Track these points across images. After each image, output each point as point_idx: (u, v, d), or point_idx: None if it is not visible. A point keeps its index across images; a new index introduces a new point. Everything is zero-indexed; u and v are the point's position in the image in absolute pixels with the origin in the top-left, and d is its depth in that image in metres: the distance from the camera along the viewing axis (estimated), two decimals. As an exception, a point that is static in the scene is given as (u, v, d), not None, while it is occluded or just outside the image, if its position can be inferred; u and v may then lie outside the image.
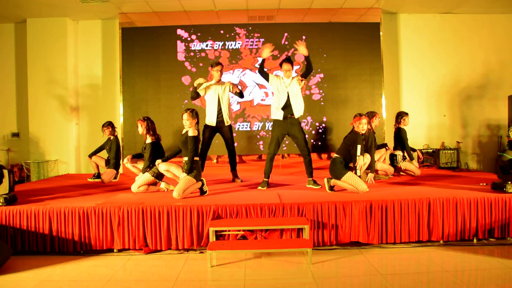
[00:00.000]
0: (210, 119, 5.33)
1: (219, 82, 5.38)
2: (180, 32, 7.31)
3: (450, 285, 2.89)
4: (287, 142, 7.28)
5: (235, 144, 5.63)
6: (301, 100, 4.91)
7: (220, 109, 5.33)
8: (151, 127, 4.84)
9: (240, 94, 5.41)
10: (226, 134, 5.43)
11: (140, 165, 5.03)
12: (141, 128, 4.83)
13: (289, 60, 4.84)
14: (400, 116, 5.66)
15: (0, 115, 7.62)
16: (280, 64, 4.87)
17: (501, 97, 7.50)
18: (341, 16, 7.33)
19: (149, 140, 4.84)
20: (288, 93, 4.81)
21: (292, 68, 4.86)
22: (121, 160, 5.87)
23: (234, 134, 7.14)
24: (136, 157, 5.13)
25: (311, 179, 4.83)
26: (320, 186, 4.71)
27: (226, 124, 5.38)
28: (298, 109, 4.84)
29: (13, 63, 7.60)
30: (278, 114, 4.84)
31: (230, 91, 5.36)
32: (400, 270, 3.23)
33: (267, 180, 4.93)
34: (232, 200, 4.00)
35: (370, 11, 7.28)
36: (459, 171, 6.32)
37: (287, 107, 4.81)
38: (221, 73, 5.39)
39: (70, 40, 7.35)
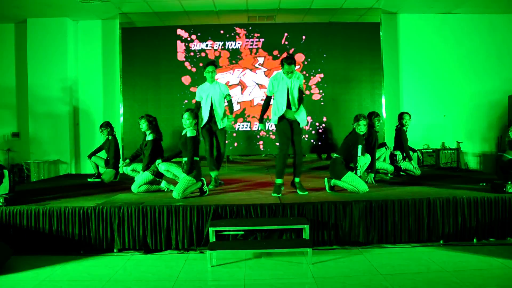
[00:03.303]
0: (203, 122, 5.02)
1: (212, 83, 5.02)
2: (180, 32, 7.30)
3: (450, 285, 2.88)
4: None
5: (228, 143, 5.45)
6: (303, 107, 4.42)
7: (213, 112, 4.99)
8: (154, 125, 4.86)
9: (230, 105, 5.13)
10: (218, 137, 5.10)
11: (139, 166, 5.01)
12: (145, 125, 4.82)
13: (292, 60, 4.22)
14: (402, 116, 5.67)
15: (0, 115, 7.63)
16: (282, 64, 4.28)
17: (501, 97, 7.50)
18: (341, 16, 7.33)
19: (150, 137, 4.84)
20: (288, 89, 4.30)
21: (294, 68, 4.29)
22: (120, 160, 5.87)
23: (234, 134, 7.18)
24: (134, 157, 5.12)
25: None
26: (307, 193, 4.35)
27: (219, 127, 5.01)
28: (300, 117, 4.37)
29: (13, 63, 7.60)
30: (278, 116, 4.37)
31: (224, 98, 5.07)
32: (400, 270, 3.22)
33: (280, 183, 4.33)
34: (232, 200, 4.01)
35: (370, 11, 7.28)
36: (459, 171, 6.32)
37: (288, 106, 4.31)
38: (213, 75, 4.98)
39: (70, 40, 7.36)
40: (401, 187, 4.70)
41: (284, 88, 4.34)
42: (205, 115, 5.01)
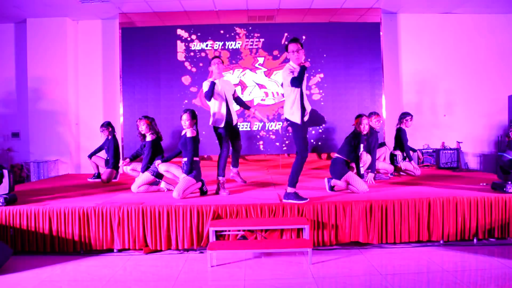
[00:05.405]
0: (222, 119, 4.48)
1: (221, 78, 4.56)
2: (180, 32, 7.30)
3: (450, 285, 2.88)
4: (287, 142, 7.29)
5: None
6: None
7: (228, 107, 4.53)
8: (152, 126, 4.86)
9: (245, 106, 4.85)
10: (237, 135, 4.74)
11: (139, 166, 5.02)
12: (144, 127, 4.83)
13: (295, 40, 3.90)
14: (403, 116, 5.66)
15: (0, 115, 7.63)
16: (286, 48, 3.95)
17: (501, 97, 7.50)
18: (341, 16, 7.33)
19: (148, 138, 4.85)
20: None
21: (302, 48, 3.89)
22: (120, 160, 5.87)
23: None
24: (134, 157, 5.12)
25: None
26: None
27: (234, 123, 4.61)
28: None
29: (13, 63, 7.60)
30: (298, 115, 3.78)
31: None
32: (400, 270, 3.22)
33: (294, 190, 3.87)
34: (232, 200, 4.00)
35: (370, 11, 7.28)
36: (459, 171, 6.32)
37: (303, 102, 3.82)
38: (219, 67, 4.47)
39: (70, 40, 7.35)
40: (401, 187, 4.70)
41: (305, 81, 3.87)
42: (223, 112, 4.46)
